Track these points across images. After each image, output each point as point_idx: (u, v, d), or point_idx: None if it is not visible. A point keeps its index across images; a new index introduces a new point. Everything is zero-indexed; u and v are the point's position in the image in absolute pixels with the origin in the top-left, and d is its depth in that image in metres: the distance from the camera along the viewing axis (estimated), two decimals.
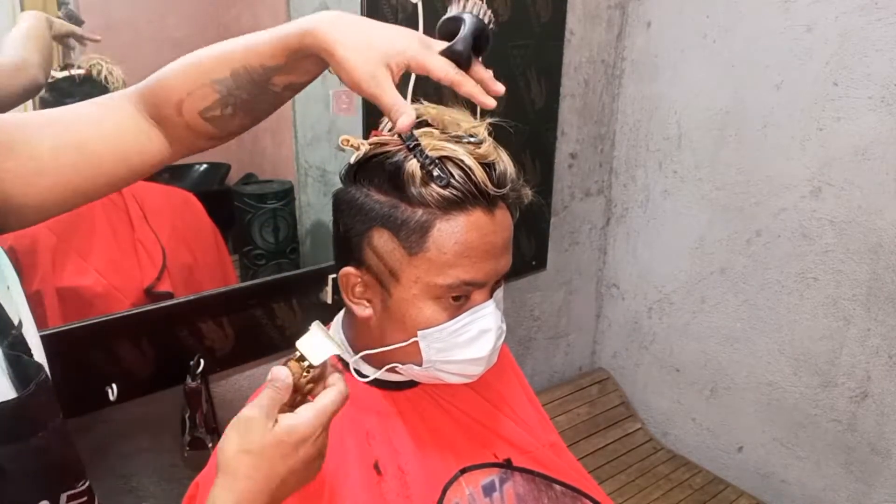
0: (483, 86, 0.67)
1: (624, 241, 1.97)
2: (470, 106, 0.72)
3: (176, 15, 1.43)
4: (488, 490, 0.81)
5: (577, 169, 1.86)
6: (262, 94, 0.69)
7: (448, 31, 0.68)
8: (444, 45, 0.66)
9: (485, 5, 0.69)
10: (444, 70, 0.64)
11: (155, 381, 1.18)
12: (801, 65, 1.48)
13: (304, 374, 0.63)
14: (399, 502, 0.74)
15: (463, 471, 0.80)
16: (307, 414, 0.59)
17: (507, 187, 0.71)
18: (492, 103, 0.66)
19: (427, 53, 0.65)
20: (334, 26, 0.63)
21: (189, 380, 1.17)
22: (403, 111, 0.62)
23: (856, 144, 1.42)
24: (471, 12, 0.68)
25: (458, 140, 0.70)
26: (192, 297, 1.21)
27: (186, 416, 1.18)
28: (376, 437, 0.77)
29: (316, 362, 0.62)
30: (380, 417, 0.78)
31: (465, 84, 0.65)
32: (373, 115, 0.73)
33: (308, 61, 0.66)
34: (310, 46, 0.64)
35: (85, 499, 0.63)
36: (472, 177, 0.67)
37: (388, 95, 0.62)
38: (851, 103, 1.42)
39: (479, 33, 0.67)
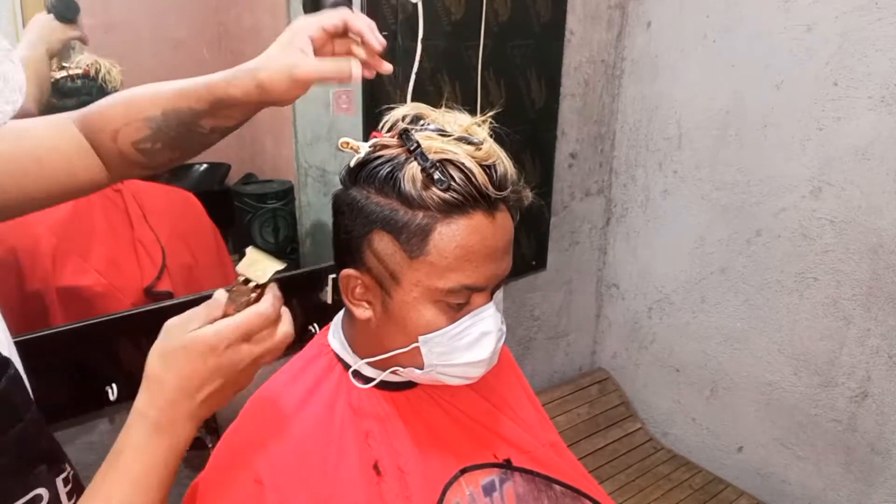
0: (363, 35, 0.72)
1: (624, 240, 1.97)
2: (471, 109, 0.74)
3: (176, 15, 1.43)
4: (488, 490, 0.81)
5: (577, 169, 1.86)
6: (188, 133, 0.75)
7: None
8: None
9: None
10: (334, 18, 0.70)
11: None
12: (801, 65, 1.48)
13: (253, 295, 0.62)
14: (399, 503, 0.74)
15: (463, 471, 0.80)
16: (218, 325, 0.60)
17: (508, 189, 0.70)
18: (378, 47, 0.71)
19: (315, 19, 0.71)
20: (251, 65, 0.70)
21: None
22: (349, 66, 0.69)
23: (856, 144, 1.42)
24: None
25: (458, 141, 0.70)
26: (192, 297, 1.21)
27: None
28: (376, 438, 0.77)
29: (262, 280, 0.62)
30: (379, 418, 0.78)
31: (356, 21, 0.71)
32: (373, 115, 0.74)
33: (232, 109, 0.73)
34: (233, 94, 0.70)
35: (72, 483, 0.65)
36: (473, 180, 0.67)
37: (311, 65, 0.68)
38: (851, 103, 1.42)
39: None
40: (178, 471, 0.62)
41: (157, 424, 0.60)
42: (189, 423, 0.61)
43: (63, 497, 0.63)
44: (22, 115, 0.55)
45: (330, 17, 0.71)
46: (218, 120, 0.74)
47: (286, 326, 0.64)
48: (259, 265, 0.63)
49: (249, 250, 0.64)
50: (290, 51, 0.69)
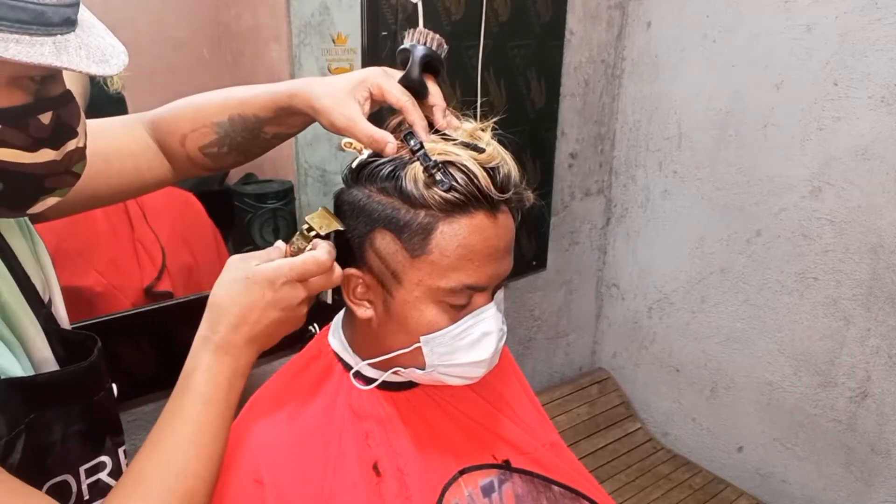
0: (433, 111, 0.75)
1: (624, 241, 1.97)
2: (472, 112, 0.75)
3: (176, 15, 1.43)
4: (487, 491, 0.81)
5: (577, 169, 1.86)
6: (254, 139, 0.79)
7: (403, 60, 0.77)
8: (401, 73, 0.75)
9: (433, 33, 0.77)
10: (397, 96, 0.73)
11: (155, 381, 1.18)
12: (801, 65, 1.48)
13: (310, 245, 0.70)
14: (398, 503, 0.74)
15: (462, 472, 0.80)
16: (278, 262, 0.67)
17: (511, 191, 0.71)
18: (424, 139, 0.71)
19: (386, 80, 0.74)
20: (312, 84, 0.74)
21: None
22: (384, 140, 0.70)
23: (856, 144, 1.42)
24: (418, 41, 0.76)
25: (461, 146, 0.70)
26: (192, 297, 1.21)
27: None
28: (375, 438, 0.77)
29: (323, 232, 0.70)
30: (379, 419, 0.78)
31: (412, 113, 0.73)
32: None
33: (294, 117, 0.78)
34: (296, 105, 0.75)
35: (128, 459, 0.71)
36: (475, 181, 0.67)
37: (360, 128, 0.71)
38: (851, 103, 1.42)
39: (428, 60, 0.75)
40: (242, 391, 0.69)
41: (219, 347, 0.66)
42: (248, 348, 0.67)
43: (124, 468, 0.68)
44: None
45: (395, 95, 0.73)
46: (281, 127, 0.79)
47: (337, 276, 0.70)
48: (324, 221, 0.70)
49: (322, 208, 0.71)
50: (350, 99, 0.72)
